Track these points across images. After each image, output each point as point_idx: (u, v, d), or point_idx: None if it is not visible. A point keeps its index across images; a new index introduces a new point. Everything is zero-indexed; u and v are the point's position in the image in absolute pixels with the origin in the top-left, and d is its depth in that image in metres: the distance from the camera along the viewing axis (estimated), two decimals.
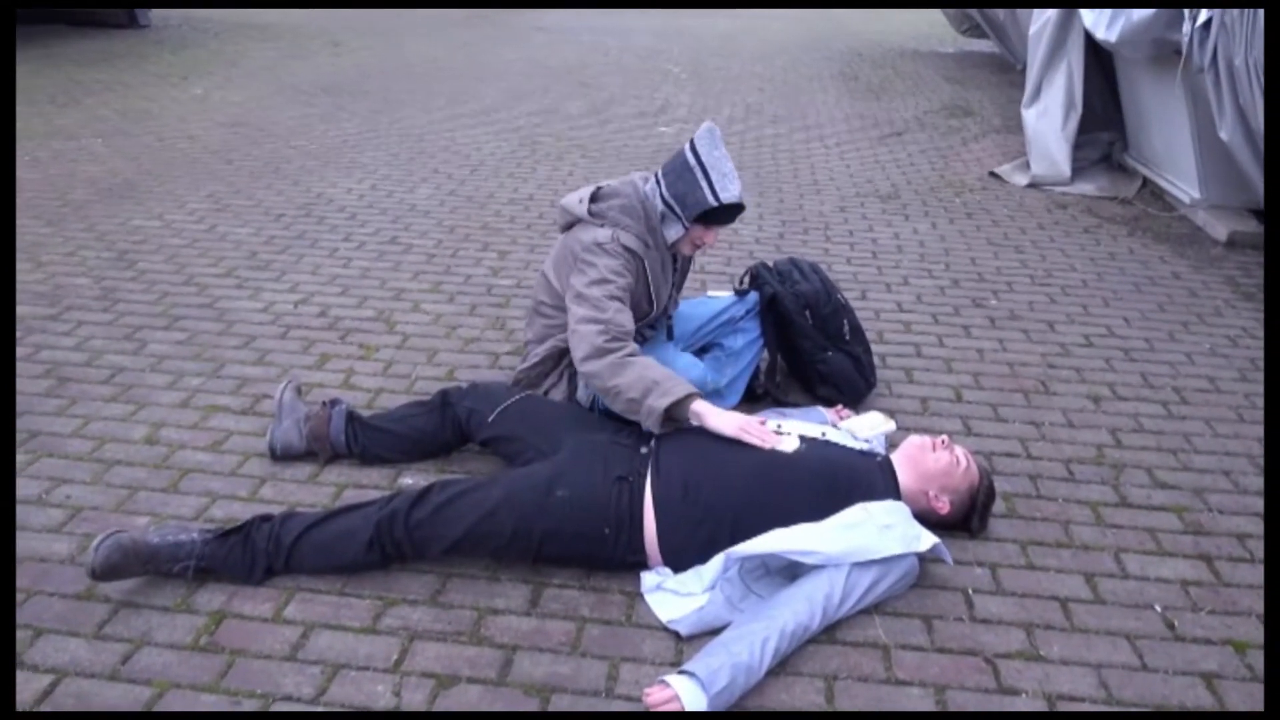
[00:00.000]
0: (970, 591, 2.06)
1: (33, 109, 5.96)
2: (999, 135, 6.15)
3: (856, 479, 2.08)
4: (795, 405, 2.72)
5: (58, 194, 4.46)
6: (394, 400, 2.71)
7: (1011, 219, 4.63)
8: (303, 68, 7.75)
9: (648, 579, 2.01)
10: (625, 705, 1.74)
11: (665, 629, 1.91)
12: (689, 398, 2.15)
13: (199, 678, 1.76)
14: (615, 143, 5.86)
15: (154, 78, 7.10)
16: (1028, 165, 5.28)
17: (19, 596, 1.93)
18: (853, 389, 2.78)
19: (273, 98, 6.64)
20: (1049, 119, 5.20)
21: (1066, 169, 5.14)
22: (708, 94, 7.37)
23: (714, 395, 2.56)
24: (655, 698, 1.68)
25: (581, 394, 2.51)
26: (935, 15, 9.79)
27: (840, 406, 2.68)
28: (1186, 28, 3.83)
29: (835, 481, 2.05)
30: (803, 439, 2.15)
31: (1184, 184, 4.70)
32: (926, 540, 1.97)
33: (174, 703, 1.71)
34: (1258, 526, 2.32)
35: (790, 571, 1.95)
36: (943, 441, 2.20)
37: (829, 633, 1.90)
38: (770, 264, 2.91)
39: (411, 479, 2.37)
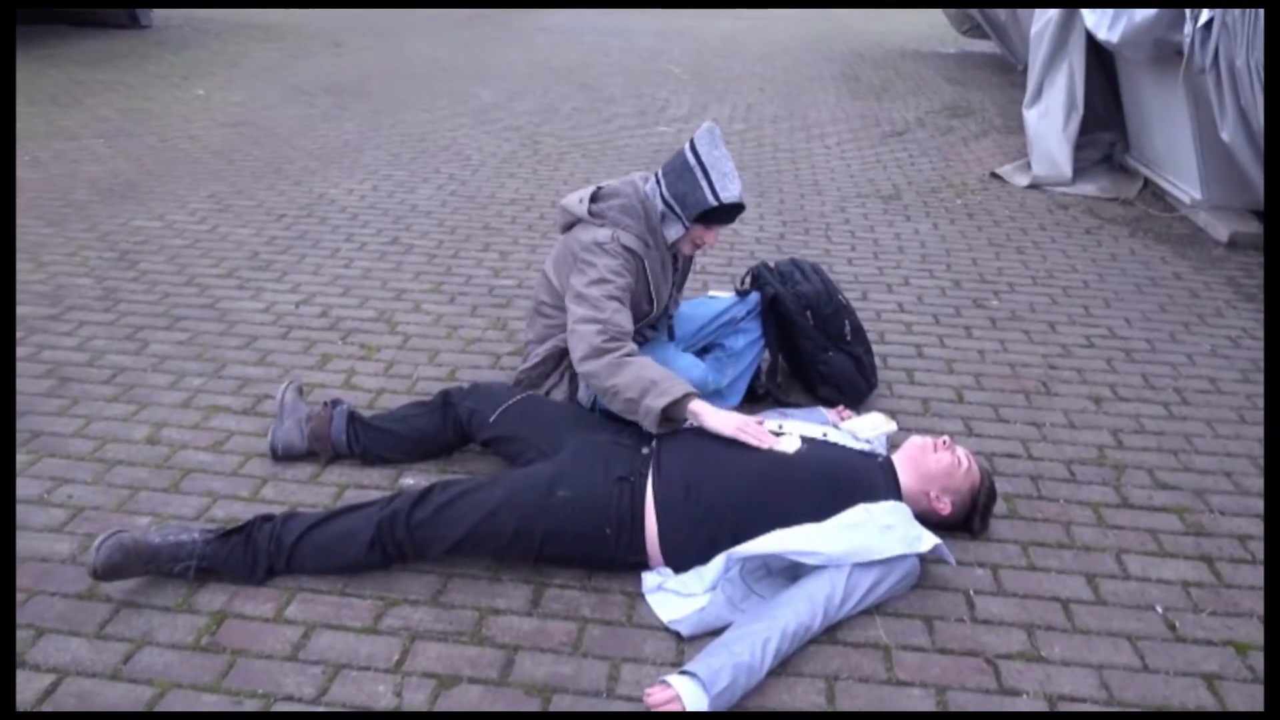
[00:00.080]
0: (971, 592, 2.06)
1: (34, 109, 5.96)
2: (1000, 136, 6.15)
3: (858, 480, 2.08)
4: (797, 406, 2.72)
5: (59, 194, 4.46)
6: (395, 401, 2.71)
7: (1013, 219, 4.63)
8: (304, 68, 7.75)
9: (649, 579, 2.01)
10: (626, 705, 1.74)
11: (666, 629, 1.91)
12: (687, 397, 2.15)
13: (200, 678, 1.76)
14: (616, 143, 5.86)
15: (155, 78, 7.10)
16: (1029, 166, 5.27)
17: (20, 596, 1.93)
18: (854, 390, 2.78)
19: (274, 98, 6.64)
20: (1050, 119, 5.19)
21: (1068, 169, 5.14)
22: (709, 94, 7.36)
23: (715, 396, 2.56)
24: (656, 698, 1.68)
25: (582, 394, 2.51)
26: (936, 16, 9.79)
27: (841, 407, 2.68)
28: (1188, 28, 3.83)
29: (837, 482, 2.05)
30: (804, 439, 2.15)
31: (1185, 185, 4.70)
32: (928, 541, 1.97)
33: (175, 703, 1.71)
34: (1259, 528, 2.32)
35: (792, 572, 1.95)
36: (944, 442, 2.20)
37: (830, 633, 1.90)
38: (771, 264, 2.91)
39: (413, 479, 2.37)
